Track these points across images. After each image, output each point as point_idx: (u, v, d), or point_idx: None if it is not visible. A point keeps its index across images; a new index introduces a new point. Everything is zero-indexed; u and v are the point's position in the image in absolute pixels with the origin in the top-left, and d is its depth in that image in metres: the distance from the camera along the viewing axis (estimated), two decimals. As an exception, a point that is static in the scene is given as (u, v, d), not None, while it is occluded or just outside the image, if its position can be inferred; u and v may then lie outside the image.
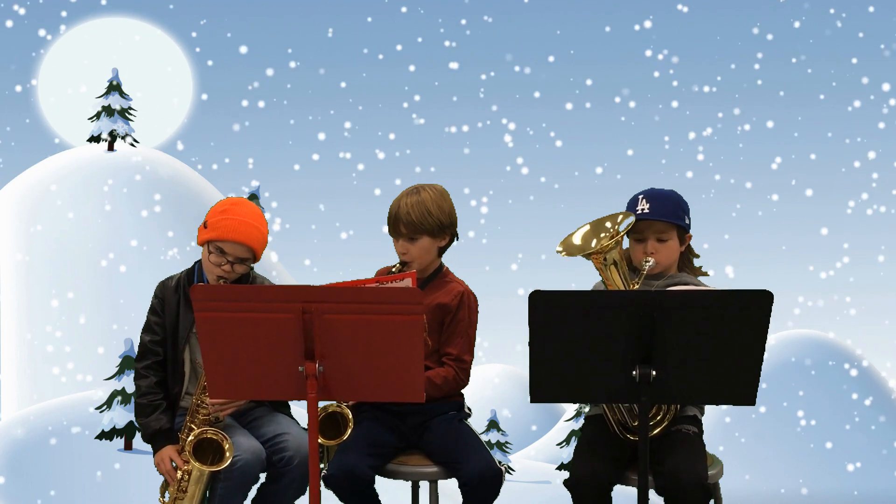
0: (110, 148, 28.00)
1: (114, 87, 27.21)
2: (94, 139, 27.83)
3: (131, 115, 27.62)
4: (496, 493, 3.99)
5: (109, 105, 27.35)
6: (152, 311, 4.36)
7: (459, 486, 4.00)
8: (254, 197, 25.53)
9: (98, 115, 27.54)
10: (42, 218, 26.94)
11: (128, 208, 27.19)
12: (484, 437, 23.80)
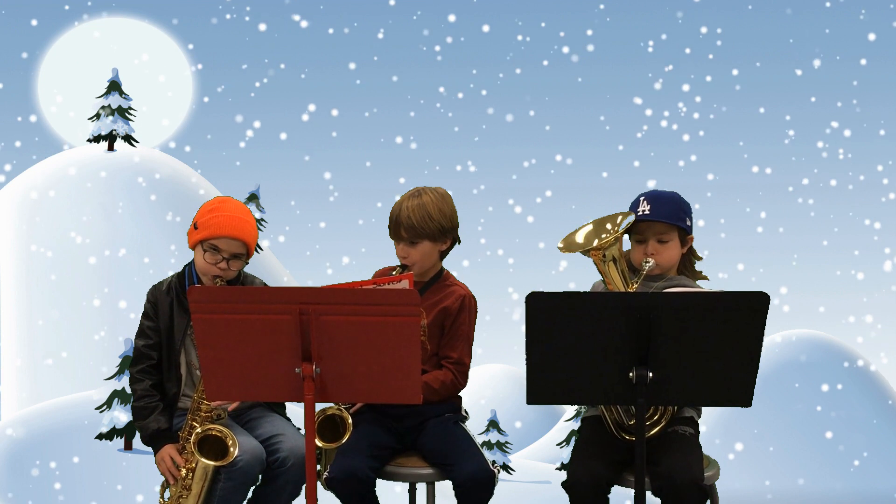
0: (110, 148, 28.00)
1: (114, 87, 27.22)
2: (94, 139, 27.84)
3: (131, 115, 27.64)
4: (489, 495, 3.99)
5: (109, 105, 27.36)
6: (145, 315, 4.37)
7: (453, 488, 4.01)
8: (253, 197, 25.55)
9: (98, 115, 27.55)
10: (42, 218, 26.94)
11: (128, 208, 27.20)
12: (484, 437, 23.88)
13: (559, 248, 3.94)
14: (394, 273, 4.15)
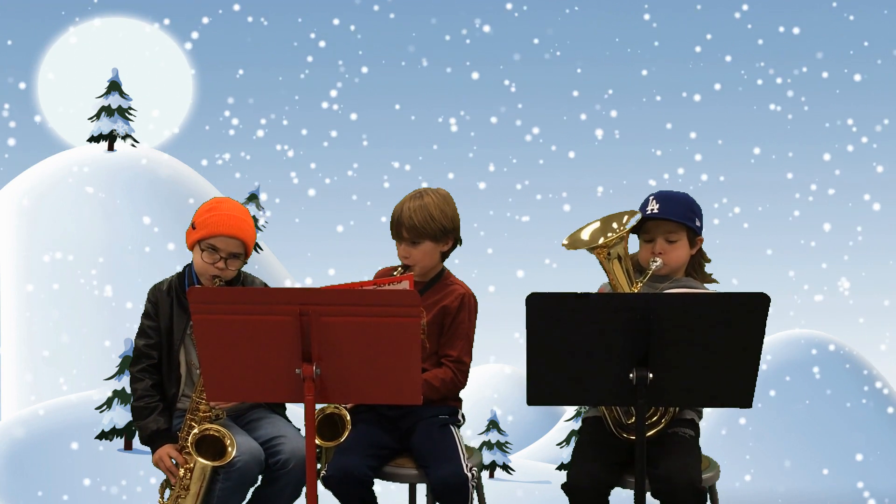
0: (110, 148, 28.00)
1: (114, 87, 27.21)
2: (94, 139, 27.83)
3: (131, 115, 27.63)
4: (464, 500, 3.96)
5: (109, 105, 27.35)
6: (146, 315, 4.38)
7: (429, 492, 4.01)
8: (253, 197, 25.55)
9: (98, 115, 27.54)
10: (42, 218, 26.94)
11: (128, 208, 27.19)
12: (484, 437, 23.82)
13: (564, 245, 3.93)
14: (395, 273, 4.16)
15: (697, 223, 4.09)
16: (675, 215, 4.03)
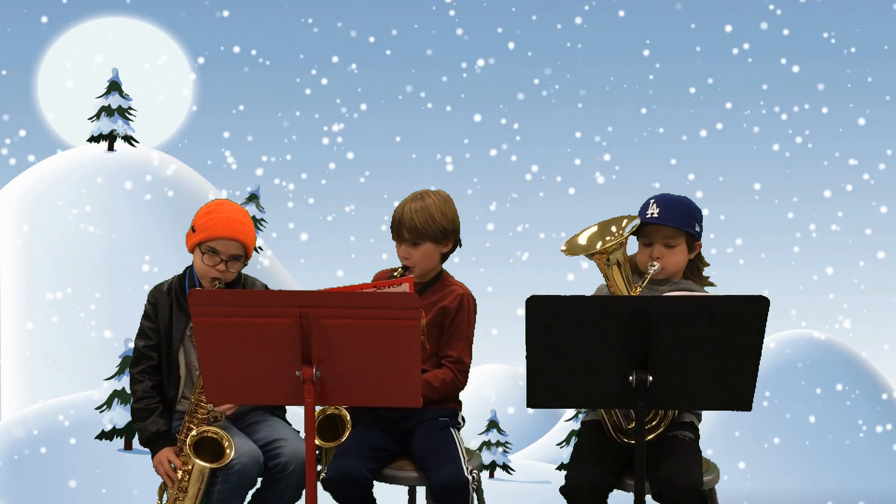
0: (110, 148, 27.99)
1: (114, 87, 27.21)
2: (94, 139, 27.83)
3: (131, 115, 27.63)
4: (465, 503, 3.97)
5: (109, 105, 27.35)
6: (146, 316, 4.38)
7: (429, 494, 4.01)
8: (253, 197, 25.56)
9: (98, 115, 27.54)
10: (42, 218, 26.94)
11: (128, 208, 27.19)
12: (484, 437, 23.83)
13: (562, 250, 3.92)
14: (395, 275, 4.16)
15: (697, 228, 4.07)
16: (675, 221, 4.01)
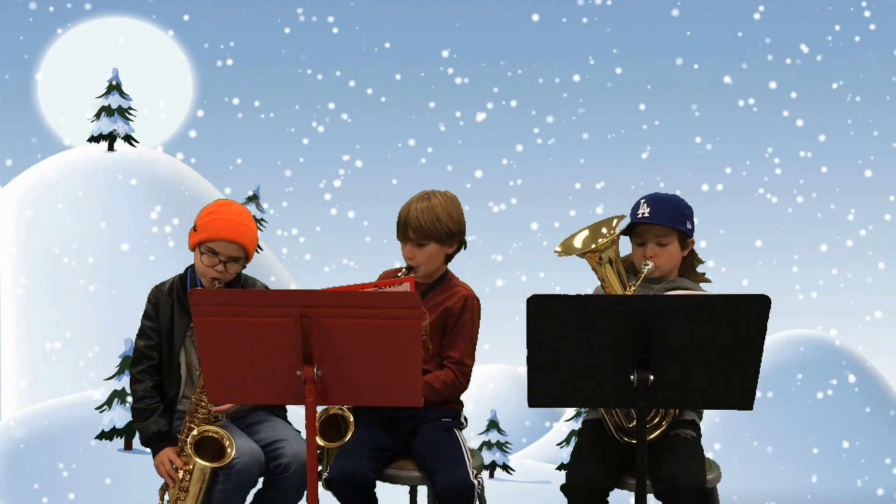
0: (110, 148, 27.99)
1: (114, 87, 27.21)
2: (95, 139, 27.82)
3: (131, 115, 27.62)
4: None
5: (109, 105, 27.35)
6: (146, 315, 4.38)
7: (433, 496, 4.00)
8: (254, 197, 25.55)
9: (98, 115, 27.53)
10: (42, 218, 26.94)
11: (128, 208, 27.19)
12: (484, 437, 23.83)
13: (557, 252, 3.97)
14: (399, 275, 4.16)
15: (688, 225, 4.11)
16: (665, 219, 4.05)
